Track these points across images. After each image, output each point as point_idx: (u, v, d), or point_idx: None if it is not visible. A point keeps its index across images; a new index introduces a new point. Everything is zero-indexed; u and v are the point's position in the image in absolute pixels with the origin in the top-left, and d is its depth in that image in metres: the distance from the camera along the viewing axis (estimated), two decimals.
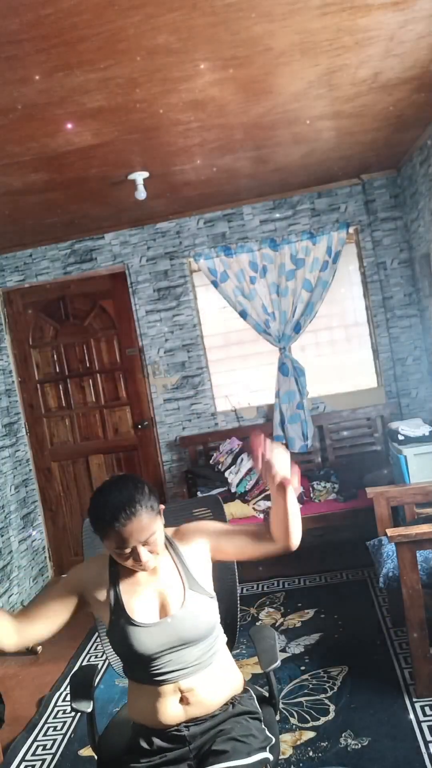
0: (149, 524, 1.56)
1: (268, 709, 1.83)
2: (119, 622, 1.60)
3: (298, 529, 1.63)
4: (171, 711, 1.59)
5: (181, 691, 1.59)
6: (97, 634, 3.61)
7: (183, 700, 1.60)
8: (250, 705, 1.68)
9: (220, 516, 2.03)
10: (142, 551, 1.56)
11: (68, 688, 3.09)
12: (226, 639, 1.76)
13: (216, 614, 1.69)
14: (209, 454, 4.50)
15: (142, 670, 1.61)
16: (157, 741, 1.60)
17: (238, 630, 2.04)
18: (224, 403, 4.65)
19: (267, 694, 1.89)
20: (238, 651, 2.26)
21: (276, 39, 2.16)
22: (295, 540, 1.63)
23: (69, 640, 3.63)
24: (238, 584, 2.03)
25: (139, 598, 1.62)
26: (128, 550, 1.55)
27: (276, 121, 2.97)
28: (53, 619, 1.64)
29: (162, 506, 1.64)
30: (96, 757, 1.83)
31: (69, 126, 2.59)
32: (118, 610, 1.61)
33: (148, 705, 1.62)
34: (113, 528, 1.53)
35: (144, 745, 1.61)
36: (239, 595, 2.05)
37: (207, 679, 1.62)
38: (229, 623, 2.01)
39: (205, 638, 1.62)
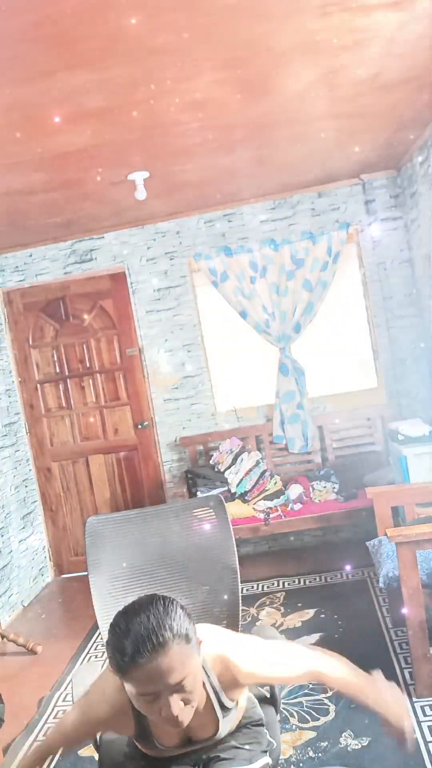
0: (183, 662, 1.22)
1: (270, 709, 1.83)
2: (141, 742, 1.49)
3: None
4: (171, 738, 1.53)
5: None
6: (97, 633, 3.62)
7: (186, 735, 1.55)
8: (252, 714, 1.67)
9: (222, 515, 2.01)
10: (173, 701, 1.22)
11: (69, 687, 3.11)
12: None
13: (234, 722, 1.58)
14: (209, 454, 4.50)
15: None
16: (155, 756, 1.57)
17: (238, 631, 2.04)
18: (224, 403, 4.65)
19: (268, 695, 1.89)
20: None
21: (276, 39, 2.16)
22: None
23: (69, 641, 3.63)
24: (240, 583, 2.03)
25: (167, 733, 1.45)
26: (153, 696, 1.23)
27: (276, 121, 2.97)
28: (66, 749, 1.61)
29: (200, 639, 1.32)
30: (96, 757, 1.82)
31: (69, 126, 2.59)
32: (144, 737, 1.47)
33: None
34: (134, 666, 1.20)
35: (141, 759, 1.58)
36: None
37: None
38: (230, 624, 2.02)
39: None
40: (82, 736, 1.51)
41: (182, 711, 1.25)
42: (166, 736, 1.47)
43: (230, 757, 1.53)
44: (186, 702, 1.26)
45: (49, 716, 2.90)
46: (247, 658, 1.44)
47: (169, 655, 1.21)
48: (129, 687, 1.26)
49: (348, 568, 3.95)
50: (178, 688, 1.23)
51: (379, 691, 1.50)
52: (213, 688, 1.43)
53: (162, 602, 1.29)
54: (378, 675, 1.54)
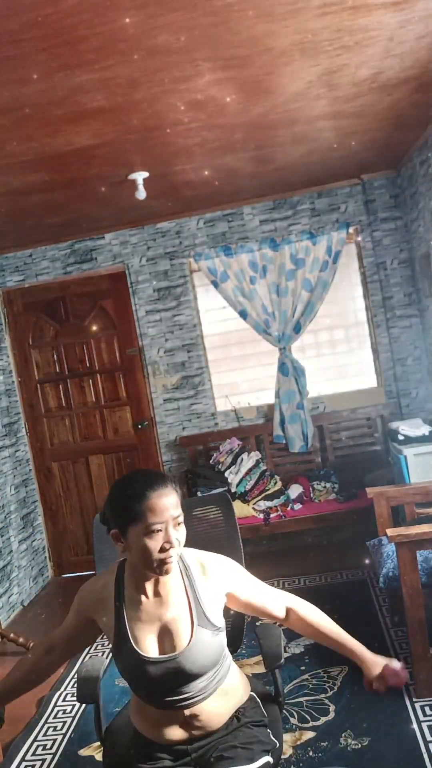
0: (178, 504, 1.50)
1: (273, 707, 1.83)
2: (123, 649, 1.54)
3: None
4: (174, 732, 1.57)
5: (184, 717, 1.57)
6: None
7: (187, 723, 1.57)
8: (254, 714, 1.67)
9: (229, 514, 2.02)
10: (172, 531, 1.47)
11: (73, 683, 3.10)
12: (231, 658, 1.70)
13: (223, 645, 1.62)
14: (209, 454, 4.50)
15: (146, 695, 1.58)
16: (157, 754, 1.59)
17: (244, 630, 2.04)
18: (224, 403, 4.65)
19: (272, 693, 1.89)
20: (238, 651, 2.26)
21: (276, 39, 2.16)
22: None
23: None
24: None
25: (144, 628, 1.54)
26: (162, 527, 1.46)
27: (276, 121, 2.97)
28: (69, 647, 1.65)
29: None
30: (100, 754, 1.82)
31: (69, 126, 2.59)
32: (122, 637, 1.54)
33: (151, 723, 1.59)
34: (147, 498, 1.45)
35: (145, 758, 1.59)
36: None
37: (211, 704, 1.59)
38: (236, 625, 2.02)
39: (210, 670, 1.57)
40: (75, 624, 1.62)
41: (177, 547, 1.48)
42: (144, 635, 1.54)
43: (231, 757, 1.54)
44: (178, 541, 1.49)
45: (49, 716, 2.90)
46: (225, 565, 1.64)
47: (172, 487, 1.50)
48: (137, 525, 1.46)
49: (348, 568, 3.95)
50: (177, 522, 1.49)
51: (354, 641, 1.59)
52: (189, 577, 1.58)
53: (148, 470, 1.60)
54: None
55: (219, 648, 1.59)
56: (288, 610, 1.66)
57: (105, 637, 1.87)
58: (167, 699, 1.54)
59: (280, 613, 1.66)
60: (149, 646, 1.53)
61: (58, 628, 1.69)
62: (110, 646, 1.60)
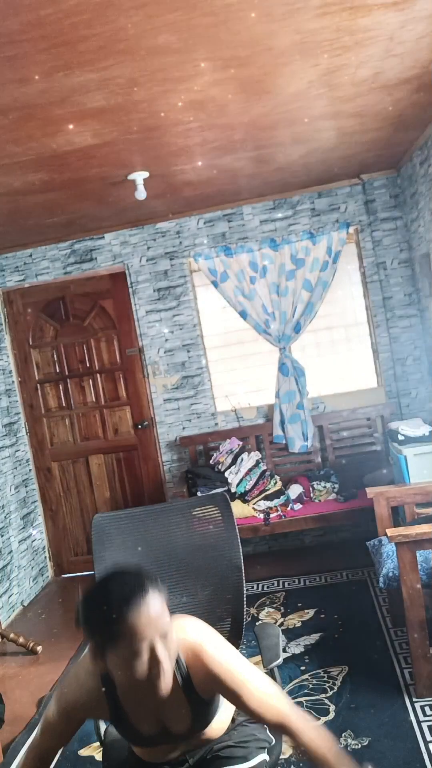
0: (162, 609, 1.30)
1: None
2: (120, 726, 1.48)
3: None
4: (172, 755, 1.55)
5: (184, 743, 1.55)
6: None
7: (185, 746, 1.56)
8: None
9: (227, 514, 2.01)
10: (160, 648, 1.27)
11: None
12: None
13: (218, 705, 1.53)
14: (209, 454, 4.50)
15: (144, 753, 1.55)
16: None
17: (243, 629, 2.04)
18: (224, 403, 4.65)
19: None
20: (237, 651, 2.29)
21: (276, 39, 2.16)
22: None
23: (69, 641, 3.63)
24: (244, 582, 2.03)
25: (141, 717, 1.44)
26: (146, 648, 1.26)
27: (276, 121, 2.97)
28: (60, 743, 1.50)
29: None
30: (100, 754, 1.82)
31: (69, 126, 2.59)
32: (119, 718, 1.46)
33: (147, 752, 1.56)
34: (126, 619, 1.24)
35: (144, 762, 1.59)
36: None
37: (212, 726, 1.55)
38: (235, 622, 2.02)
39: (208, 726, 1.53)
40: (65, 726, 1.45)
41: (168, 665, 1.29)
42: (142, 721, 1.44)
43: (226, 756, 1.53)
44: (162, 667, 1.28)
45: None
46: (221, 651, 1.41)
47: (152, 602, 1.27)
48: (116, 654, 1.27)
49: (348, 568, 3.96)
50: (163, 636, 1.28)
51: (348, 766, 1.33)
52: (181, 673, 1.40)
53: (128, 569, 1.38)
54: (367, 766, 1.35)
55: (215, 711, 1.52)
56: (281, 716, 1.39)
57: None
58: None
59: (271, 720, 1.40)
60: (146, 729, 1.46)
61: (38, 735, 1.49)
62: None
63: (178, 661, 1.39)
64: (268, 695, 1.39)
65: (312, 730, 1.37)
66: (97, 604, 1.29)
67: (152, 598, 1.28)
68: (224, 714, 1.61)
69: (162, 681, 1.29)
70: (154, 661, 1.27)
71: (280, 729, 1.39)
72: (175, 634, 1.34)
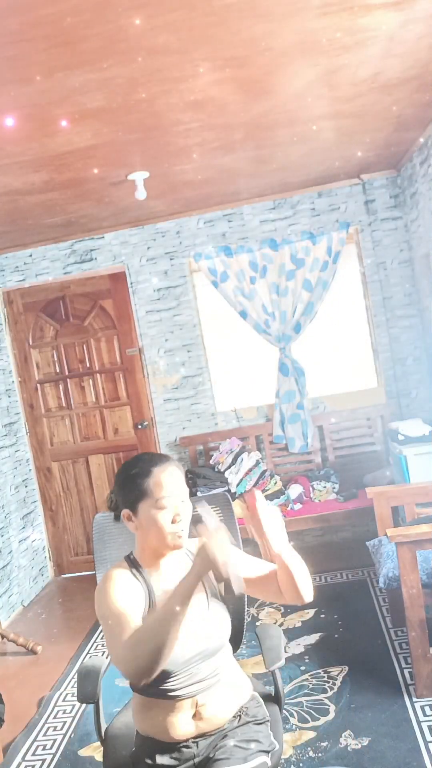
0: (183, 481, 1.57)
1: (273, 707, 1.83)
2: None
3: (307, 585, 1.59)
4: (183, 726, 1.55)
5: (197, 706, 1.56)
6: (98, 631, 3.62)
7: (196, 715, 1.56)
8: (257, 712, 1.66)
9: (228, 514, 2.02)
10: (180, 506, 1.54)
11: (73, 683, 3.10)
12: (231, 650, 1.71)
13: (229, 626, 1.65)
14: (209, 454, 4.50)
15: (159, 684, 1.53)
16: (163, 759, 1.56)
17: (244, 630, 2.04)
18: (224, 403, 4.65)
19: (272, 693, 1.89)
20: (238, 651, 2.26)
21: (276, 39, 2.16)
22: (307, 596, 1.59)
23: (69, 641, 3.63)
24: (244, 582, 2.03)
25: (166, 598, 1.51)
26: (169, 501, 1.52)
27: (276, 121, 2.97)
28: None
29: None
30: (100, 754, 1.82)
31: (69, 126, 2.59)
32: (153, 607, 1.56)
33: (160, 719, 1.57)
34: (153, 474, 1.53)
35: (148, 761, 1.58)
36: None
37: (219, 694, 1.59)
38: (236, 624, 2.01)
39: (219, 650, 1.59)
40: (135, 608, 1.50)
41: (187, 521, 1.55)
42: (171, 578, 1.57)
43: (225, 757, 1.53)
44: (190, 511, 1.56)
45: (49, 716, 2.90)
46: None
47: (175, 466, 1.58)
48: (148, 500, 1.52)
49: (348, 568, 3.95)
50: (183, 499, 1.55)
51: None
52: (190, 552, 1.65)
53: (153, 453, 1.65)
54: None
55: (227, 626, 1.64)
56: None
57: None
58: (180, 686, 1.53)
59: (272, 572, 1.64)
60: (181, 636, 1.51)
61: (123, 629, 1.44)
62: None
63: (189, 550, 1.66)
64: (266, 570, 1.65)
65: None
66: (131, 466, 1.59)
67: (175, 467, 1.57)
68: (230, 696, 1.62)
69: (182, 535, 1.54)
70: (176, 513, 1.52)
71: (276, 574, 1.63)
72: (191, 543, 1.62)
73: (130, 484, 1.56)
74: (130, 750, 1.66)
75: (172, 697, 1.54)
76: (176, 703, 1.55)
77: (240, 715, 1.63)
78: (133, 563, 1.62)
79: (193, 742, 1.57)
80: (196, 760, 1.57)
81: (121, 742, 1.75)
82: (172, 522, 1.53)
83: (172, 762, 1.56)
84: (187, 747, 1.56)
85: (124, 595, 1.51)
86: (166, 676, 1.51)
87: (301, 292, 4.39)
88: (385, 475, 3.99)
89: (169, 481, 1.54)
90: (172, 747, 1.56)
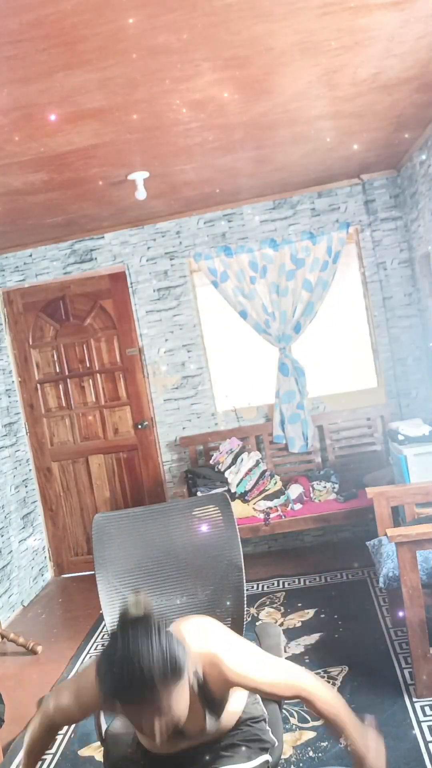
0: (169, 703, 1.27)
1: (273, 706, 1.83)
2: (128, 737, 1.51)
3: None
4: (179, 745, 1.54)
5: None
6: (97, 633, 3.62)
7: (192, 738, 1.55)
8: (253, 710, 1.67)
9: (228, 514, 2.02)
10: (156, 726, 1.27)
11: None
12: None
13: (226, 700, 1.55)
14: (209, 454, 4.50)
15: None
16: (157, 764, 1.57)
17: (243, 629, 2.04)
18: (224, 403, 4.65)
19: None
20: None
21: (276, 39, 2.16)
22: None
23: (69, 641, 3.63)
24: (244, 582, 2.03)
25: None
26: (148, 722, 1.29)
27: (276, 121, 2.97)
28: (69, 723, 1.55)
29: (187, 672, 1.33)
30: (100, 754, 1.82)
31: (69, 126, 2.59)
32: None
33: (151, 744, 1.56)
34: (119, 704, 1.27)
35: (143, 761, 1.58)
36: None
37: (219, 726, 1.55)
38: (235, 622, 2.02)
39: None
40: (79, 715, 1.50)
41: (163, 733, 1.29)
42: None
43: (229, 755, 1.53)
44: (168, 724, 1.30)
45: None
46: (236, 658, 1.44)
47: (155, 700, 1.25)
48: (124, 714, 1.32)
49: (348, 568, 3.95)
50: (164, 716, 1.28)
51: (364, 734, 1.45)
52: (198, 683, 1.43)
53: (157, 635, 1.28)
54: (370, 721, 1.47)
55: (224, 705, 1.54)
56: (298, 689, 1.45)
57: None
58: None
59: (290, 694, 1.47)
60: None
61: (54, 705, 1.50)
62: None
63: (195, 672, 1.41)
64: (281, 677, 1.45)
65: (326, 695, 1.45)
66: (106, 664, 1.28)
67: (155, 697, 1.25)
68: (234, 706, 1.60)
69: (162, 739, 1.31)
70: (148, 729, 1.29)
71: (298, 699, 1.45)
72: (189, 642, 1.38)
73: (98, 683, 1.30)
74: (129, 749, 1.67)
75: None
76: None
77: (240, 717, 1.63)
78: None
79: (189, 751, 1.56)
80: (192, 754, 1.57)
81: (121, 742, 1.75)
82: (142, 729, 1.34)
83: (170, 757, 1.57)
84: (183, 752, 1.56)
85: (87, 699, 1.44)
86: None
87: (301, 292, 4.39)
88: (385, 475, 3.99)
89: (133, 715, 1.30)
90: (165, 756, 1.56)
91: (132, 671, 1.23)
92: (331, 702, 1.45)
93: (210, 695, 1.45)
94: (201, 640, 1.45)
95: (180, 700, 1.31)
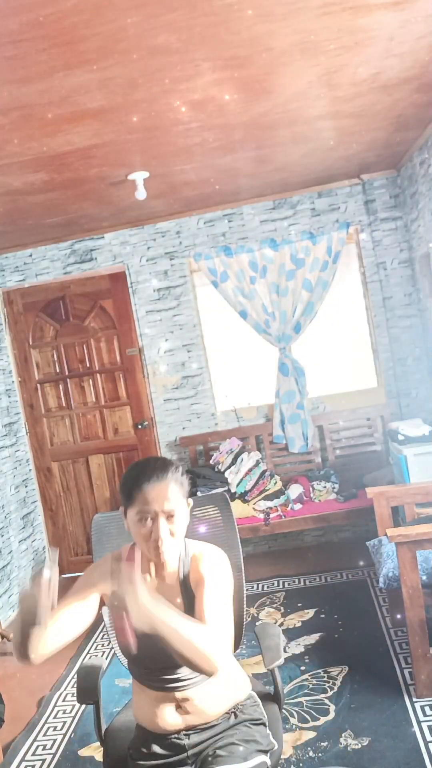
0: (174, 497, 1.51)
1: (273, 706, 1.82)
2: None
3: (195, 655, 1.36)
4: (169, 718, 1.58)
5: (177, 700, 1.57)
6: (98, 631, 3.62)
7: (180, 708, 1.58)
8: (253, 711, 1.66)
9: (227, 514, 2.02)
10: (162, 523, 1.49)
11: (73, 683, 3.11)
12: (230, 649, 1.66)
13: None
14: (209, 454, 4.50)
15: (142, 671, 1.60)
16: (156, 748, 1.59)
17: (243, 629, 2.04)
18: (224, 403, 4.65)
19: (272, 692, 1.89)
20: (238, 651, 2.26)
21: (276, 39, 2.16)
22: (206, 667, 1.37)
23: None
24: (244, 582, 2.03)
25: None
26: (150, 517, 1.49)
27: (276, 121, 2.97)
28: (77, 620, 1.48)
29: (190, 500, 1.59)
30: (100, 754, 1.82)
31: (69, 126, 2.59)
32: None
33: (148, 708, 1.61)
34: (139, 487, 1.50)
35: (144, 750, 1.60)
36: None
37: (205, 690, 1.59)
38: (235, 622, 2.01)
39: None
40: (81, 592, 1.52)
41: (167, 539, 1.50)
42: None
43: (225, 755, 1.53)
44: (171, 533, 1.51)
45: (49, 716, 2.90)
46: (215, 570, 1.56)
47: (165, 485, 1.51)
48: (131, 511, 1.51)
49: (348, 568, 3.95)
50: (169, 515, 1.51)
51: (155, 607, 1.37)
52: (184, 569, 1.59)
53: (167, 459, 1.61)
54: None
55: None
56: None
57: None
58: (160, 677, 1.56)
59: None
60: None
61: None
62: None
63: (186, 556, 1.60)
64: (213, 618, 1.46)
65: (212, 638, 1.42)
66: (131, 469, 1.58)
67: (166, 483, 1.51)
68: (219, 690, 1.61)
69: (161, 552, 1.50)
70: (155, 531, 1.49)
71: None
72: (196, 544, 1.62)
73: (122, 487, 1.57)
74: (128, 748, 1.67)
75: (154, 687, 1.58)
76: (158, 693, 1.58)
77: (234, 713, 1.63)
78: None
79: (184, 734, 1.58)
80: (190, 752, 1.58)
81: (121, 742, 1.75)
82: (149, 538, 1.50)
83: (165, 752, 1.59)
84: (178, 738, 1.58)
85: (89, 586, 1.53)
86: (136, 660, 1.57)
87: (301, 292, 4.39)
88: (385, 475, 3.99)
89: (151, 498, 1.49)
90: (163, 737, 1.59)
91: (153, 459, 1.60)
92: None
93: (189, 586, 1.57)
94: (206, 546, 1.65)
95: (183, 513, 1.54)
